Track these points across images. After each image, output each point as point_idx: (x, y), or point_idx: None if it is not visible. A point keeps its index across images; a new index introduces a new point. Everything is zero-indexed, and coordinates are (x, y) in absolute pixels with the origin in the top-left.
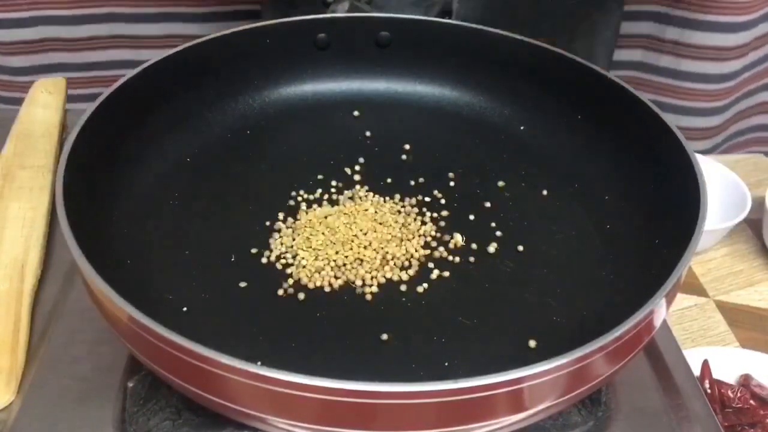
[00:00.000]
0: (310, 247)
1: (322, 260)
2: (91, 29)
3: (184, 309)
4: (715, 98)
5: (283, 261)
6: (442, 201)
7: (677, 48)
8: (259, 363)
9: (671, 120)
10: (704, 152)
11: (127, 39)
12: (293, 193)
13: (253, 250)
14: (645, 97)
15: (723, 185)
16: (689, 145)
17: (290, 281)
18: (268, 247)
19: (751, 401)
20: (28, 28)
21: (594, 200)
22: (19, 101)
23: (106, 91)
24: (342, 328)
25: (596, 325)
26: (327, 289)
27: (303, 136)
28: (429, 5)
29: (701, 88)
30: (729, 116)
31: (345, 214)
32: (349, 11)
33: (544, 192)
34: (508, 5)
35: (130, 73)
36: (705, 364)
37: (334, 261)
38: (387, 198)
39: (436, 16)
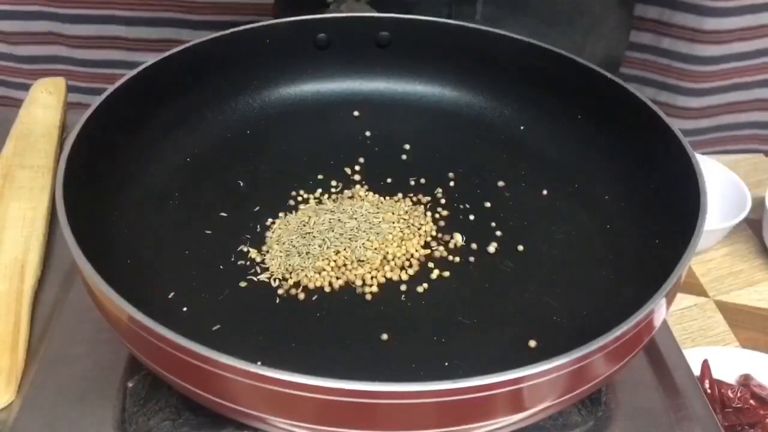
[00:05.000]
0: None
1: (323, 260)
2: (90, 29)
3: (184, 309)
4: (693, 79)
5: None
6: (442, 201)
7: (657, 26)
8: (259, 363)
9: (649, 95)
10: (687, 133)
11: (123, 41)
12: (293, 193)
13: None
14: (643, 94)
15: (723, 185)
16: (690, 146)
17: (290, 281)
18: None
19: (751, 401)
20: (33, 21)
21: (594, 200)
22: (21, 86)
23: (106, 91)
24: (342, 328)
25: (596, 325)
26: (327, 289)
27: (303, 136)
28: None
29: (678, 67)
30: (714, 103)
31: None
32: (349, 11)
33: (544, 192)
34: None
35: (130, 73)
36: (705, 364)
37: (334, 261)
38: (387, 198)
39: None
